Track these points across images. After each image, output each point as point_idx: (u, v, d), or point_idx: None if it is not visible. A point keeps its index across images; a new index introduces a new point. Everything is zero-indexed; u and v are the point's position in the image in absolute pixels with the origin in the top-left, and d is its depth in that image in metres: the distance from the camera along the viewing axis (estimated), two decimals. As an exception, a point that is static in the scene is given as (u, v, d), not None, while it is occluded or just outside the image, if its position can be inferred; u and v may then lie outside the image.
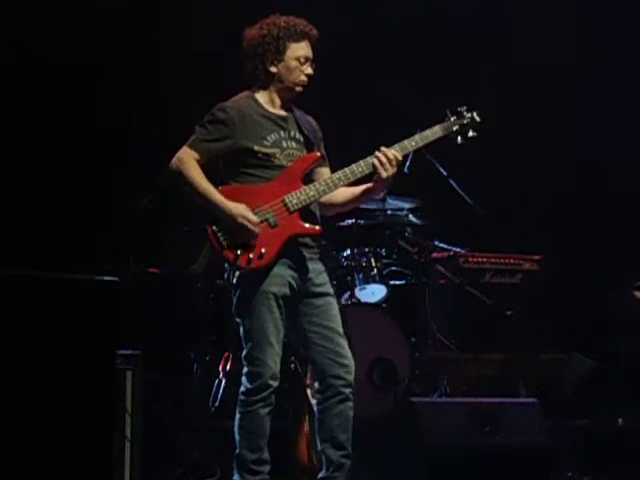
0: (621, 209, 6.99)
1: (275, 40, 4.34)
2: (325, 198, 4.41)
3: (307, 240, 4.37)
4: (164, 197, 5.51)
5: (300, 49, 4.36)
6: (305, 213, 4.33)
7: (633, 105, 7.20)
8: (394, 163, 4.32)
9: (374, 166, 4.33)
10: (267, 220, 4.25)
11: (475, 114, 4.54)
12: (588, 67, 7.21)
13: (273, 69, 4.38)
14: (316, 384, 4.37)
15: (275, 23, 4.36)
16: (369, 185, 4.41)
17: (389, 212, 6.81)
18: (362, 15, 7.06)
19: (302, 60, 4.37)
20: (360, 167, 4.36)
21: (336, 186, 4.35)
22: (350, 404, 4.33)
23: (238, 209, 4.22)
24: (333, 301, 4.40)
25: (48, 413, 4.10)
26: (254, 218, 4.22)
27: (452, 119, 4.51)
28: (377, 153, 4.34)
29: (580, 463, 5.69)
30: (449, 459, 4.56)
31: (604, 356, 6.23)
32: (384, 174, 4.31)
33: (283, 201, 4.29)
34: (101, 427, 4.23)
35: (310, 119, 4.53)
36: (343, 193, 4.47)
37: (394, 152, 4.34)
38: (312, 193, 4.33)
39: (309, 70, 4.40)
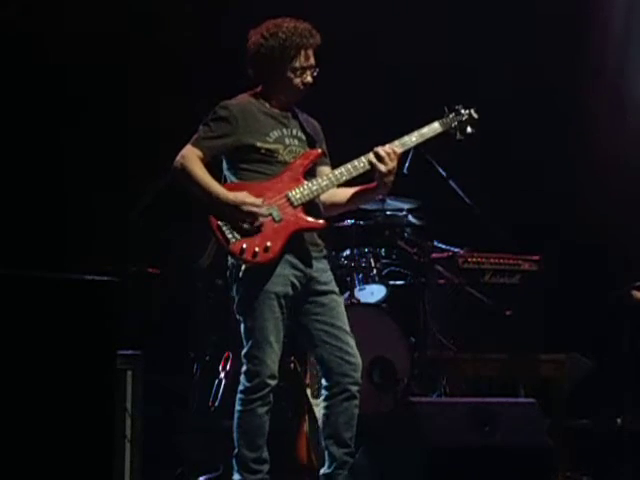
0: (621, 209, 6.98)
1: (271, 52, 4.35)
2: (326, 198, 4.43)
3: (312, 238, 4.39)
4: (165, 196, 5.52)
5: (297, 61, 4.37)
6: (309, 208, 4.35)
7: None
8: (392, 157, 4.33)
9: (371, 162, 4.34)
10: (271, 215, 4.27)
11: (473, 111, 4.59)
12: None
13: (270, 78, 4.40)
14: (323, 381, 4.39)
15: (275, 34, 4.35)
16: (371, 184, 4.43)
17: (388, 213, 6.82)
18: (362, 15, 7.06)
19: (298, 73, 4.38)
20: (362, 162, 4.39)
21: (338, 181, 4.38)
22: (356, 402, 4.36)
23: (240, 196, 4.24)
24: (339, 299, 4.43)
25: (48, 413, 4.09)
26: (257, 201, 4.23)
27: (450, 116, 4.56)
28: (375, 149, 4.36)
29: (580, 463, 5.70)
30: (449, 459, 4.55)
31: (604, 356, 6.23)
32: (382, 168, 4.32)
33: (286, 196, 4.31)
34: (101, 427, 4.22)
35: (312, 120, 4.57)
36: (344, 193, 4.49)
37: (392, 146, 4.36)
38: (315, 188, 4.35)
39: (308, 79, 4.42)
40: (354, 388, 4.34)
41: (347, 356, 4.34)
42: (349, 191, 4.50)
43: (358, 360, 4.37)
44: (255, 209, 4.23)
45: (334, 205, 4.53)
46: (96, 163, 6.55)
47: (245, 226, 4.23)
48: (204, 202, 4.28)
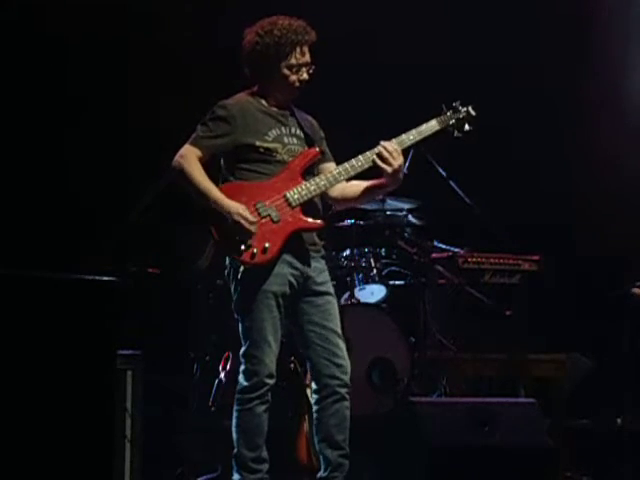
0: (621, 209, 6.99)
1: (266, 50, 4.35)
2: (337, 193, 4.45)
3: (311, 238, 4.39)
4: (165, 196, 5.52)
5: (292, 58, 4.38)
6: (307, 208, 4.35)
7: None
8: (395, 155, 4.34)
9: (376, 163, 4.35)
10: (269, 215, 4.27)
11: (470, 108, 4.60)
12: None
13: (266, 77, 4.40)
14: (313, 384, 4.39)
15: (270, 32, 4.36)
16: (382, 180, 4.43)
17: (388, 213, 6.82)
18: (361, 14, 7.06)
19: (294, 70, 4.39)
20: (359, 161, 4.39)
21: (336, 180, 4.39)
22: (346, 404, 4.34)
23: (235, 207, 4.22)
24: (333, 301, 4.42)
25: (48, 413, 4.10)
26: (251, 217, 4.23)
27: (448, 113, 4.57)
28: (378, 147, 4.36)
29: (580, 463, 5.70)
30: (449, 459, 4.55)
31: (604, 356, 6.23)
32: (389, 169, 4.34)
33: (285, 196, 4.31)
34: (101, 427, 4.23)
35: (310, 118, 4.57)
36: (356, 187, 4.49)
37: (394, 145, 4.36)
38: (313, 187, 4.35)
39: (304, 76, 4.42)
40: (343, 390, 4.33)
41: (335, 358, 4.33)
42: (361, 185, 4.50)
43: (346, 362, 4.36)
44: (247, 225, 4.21)
45: (345, 199, 4.54)
46: (96, 163, 6.54)
47: (238, 235, 4.23)
48: (201, 203, 4.28)
